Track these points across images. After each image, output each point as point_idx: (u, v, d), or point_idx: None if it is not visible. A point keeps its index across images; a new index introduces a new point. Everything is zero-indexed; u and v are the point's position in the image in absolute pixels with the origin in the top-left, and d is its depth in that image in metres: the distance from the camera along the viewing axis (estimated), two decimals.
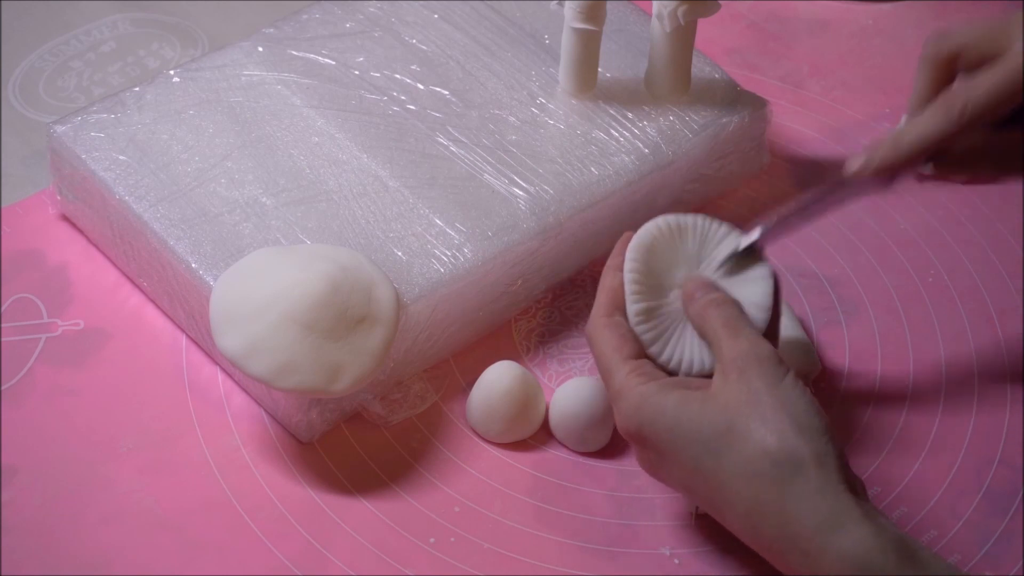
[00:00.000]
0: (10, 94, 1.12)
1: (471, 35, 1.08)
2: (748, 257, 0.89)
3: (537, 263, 0.99)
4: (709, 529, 0.89)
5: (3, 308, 0.98)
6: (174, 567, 0.87)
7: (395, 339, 0.91)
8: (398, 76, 1.05)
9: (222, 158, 0.99)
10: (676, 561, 0.89)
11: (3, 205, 1.03)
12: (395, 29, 1.08)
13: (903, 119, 0.91)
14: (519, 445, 0.93)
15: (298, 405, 0.91)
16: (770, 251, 0.89)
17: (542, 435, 0.94)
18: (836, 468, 0.80)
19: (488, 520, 0.90)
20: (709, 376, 0.85)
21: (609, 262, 0.89)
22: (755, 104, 1.06)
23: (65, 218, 1.03)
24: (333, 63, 1.05)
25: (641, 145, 1.02)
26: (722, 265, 0.88)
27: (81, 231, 1.02)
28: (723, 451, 0.81)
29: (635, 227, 0.90)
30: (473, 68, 1.06)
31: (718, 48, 1.17)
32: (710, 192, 1.06)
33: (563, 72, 1.04)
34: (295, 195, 0.97)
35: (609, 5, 1.04)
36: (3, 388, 0.94)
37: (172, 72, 1.04)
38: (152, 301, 0.99)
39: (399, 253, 0.95)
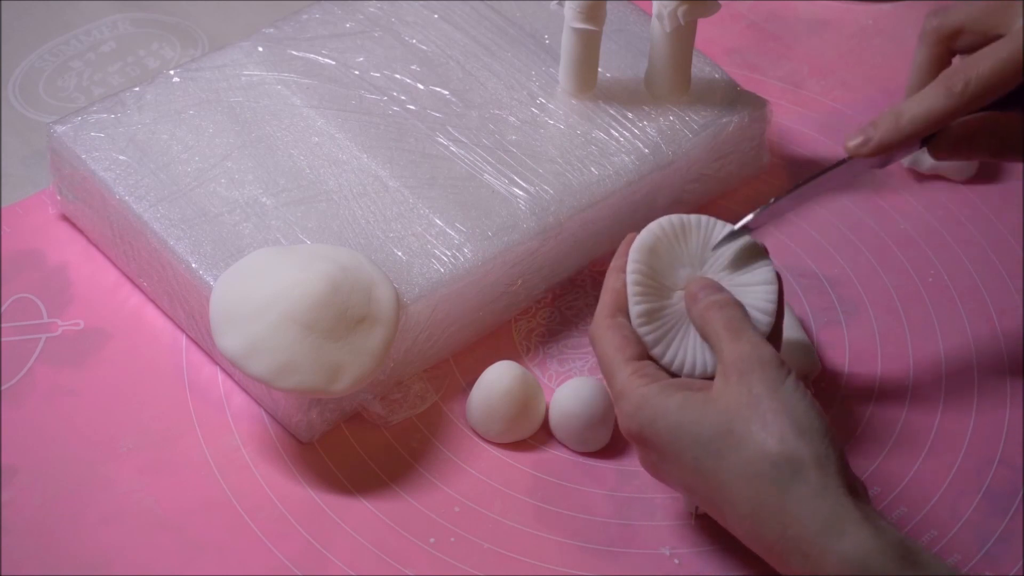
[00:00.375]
0: (10, 94, 1.12)
1: (471, 35, 1.08)
2: (751, 256, 0.88)
3: (537, 263, 0.99)
4: (709, 529, 0.89)
5: (3, 308, 0.98)
6: (174, 567, 0.87)
7: (395, 339, 0.91)
8: (398, 76, 1.05)
9: (222, 158, 0.99)
10: (676, 561, 0.89)
11: (3, 205, 1.03)
12: (395, 29, 1.08)
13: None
14: (519, 445, 0.93)
15: (298, 405, 0.91)
16: (770, 250, 0.89)
17: (542, 435, 0.94)
18: (836, 471, 0.80)
19: (488, 520, 0.90)
20: (711, 378, 0.85)
21: (613, 263, 0.89)
22: (755, 104, 1.06)
23: (65, 218, 1.03)
24: (333, 63, 1.05)
25: (641, 145, 1.02)
26: (718, 247, 0.88)
27: (81, 231, 1.02)
28: (724, 453, 0.81)
29: (635, 227, 0.90)
30: (473, 68, 1.06)
31: (718, 48, 1.17)
32: (710, 192, 1.06)
33: (563, 72, 1.04)
34: (295, 195, 0.97)
35: (609, 5, 1.04)
36: (3, 388, 0.94)
37: (172, 72, 1.04)
38: (152, 301, 0.99)
39: (399, 253, 0.95)
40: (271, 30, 1.07)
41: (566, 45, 1.03)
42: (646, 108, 1.04)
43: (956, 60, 0.91)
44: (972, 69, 0.86)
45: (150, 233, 0.95)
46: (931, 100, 0.87)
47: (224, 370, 0.95)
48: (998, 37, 0.88)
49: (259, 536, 0.88)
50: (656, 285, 0.88)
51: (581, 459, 0.93)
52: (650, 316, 0.87)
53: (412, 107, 1.03)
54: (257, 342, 0.88)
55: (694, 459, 0.82)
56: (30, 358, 0.95)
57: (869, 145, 0.88)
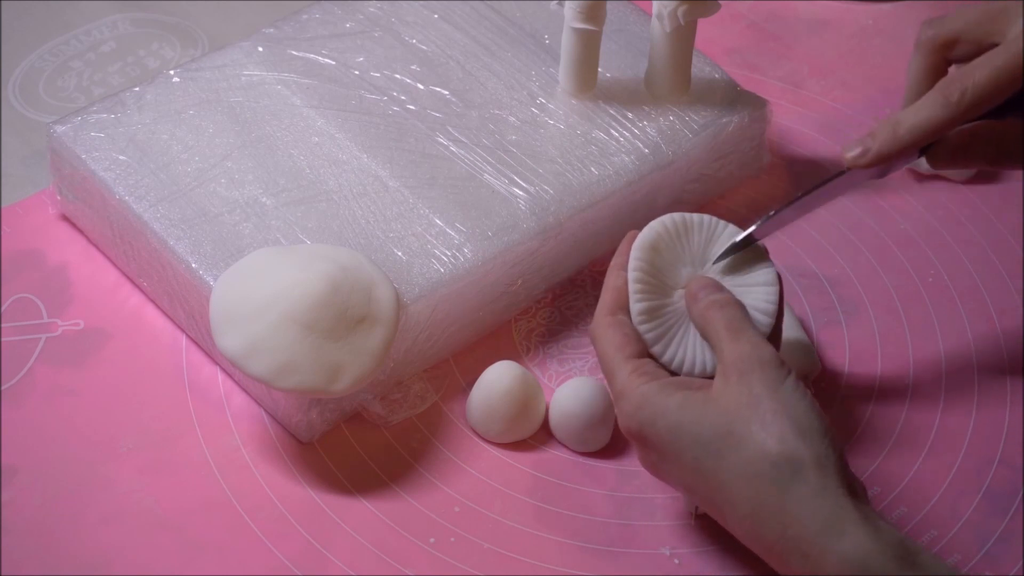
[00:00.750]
0: (10, 94, 1.12)
1: (471, 35, 1.08)
2: (752, 257, 0.88)
3: (537, 263, 0.99)
4: (709, 529, 0.89)
5: (3, 308, 0.98)
6: (174, 567, 0.87)
7: (395, 339, 0.91)
8: (398, 76, 1.05)
9: (222, 158, 0.99)
10: (676, 561, 0.89)
11: (3, 205, 1.03)
12: (395, 29, 1.08)
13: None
14: (519, 445, 0.93)
15: (298, 405, 0.91)
16: (770, 250, 0.89)
17: (542, 435, 0.94)
18: (836, 471, 0.80)
19: (488, 520, 0.90)
20: (711, 377, 0.85)
21: (614, 261, 0.89)
22: (755, 104, 1.06)
23: (65, 218, 1.03)
24: (333, 63, 1.05)
25: (641, 145, 1.02)
26: (720, 259, 0.88)
27: (81, 231, 1.02)
28: (724, 453, 0.81)
29: (635, 227, 0.90)
30: (473, 68, 1.06)
31: (718, 48, 1.17)
32: (710, 192, 1.06)
33: (563, 72, 1.04)
34: (295, 195, 0.97)
35: (609, 5, 1.04)
36: (3, 388, 0.94)
37: (172, 72, 1.04)
38: (152, 301, 0.99)
39: (399, 253, 0.95)
40: (271, 30, 1.07)
41: (566, 45, 1.03)
42: (646, 108, 1.04)
43: (952, 70, 0.91)
44: (969, 78, 0.86)
45: (150, 233, 0.95)
46: (929, 110, 0.87)
47: (224, 370, 0.96)
48: (993, 45, 0.88)
49: (259, 536, 0.88)
50: (657, 283, 0.88)
51: (581, 459, 0.93)
52: (651, 314, 0.87)
53: (412, 107, 1.03)
54: (257, 342, 0.88)
55: (694, 459, 0.82)
56: (30, 358, 0.95)
57: (867, 156, 0.88)
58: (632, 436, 0.85)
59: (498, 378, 0.92)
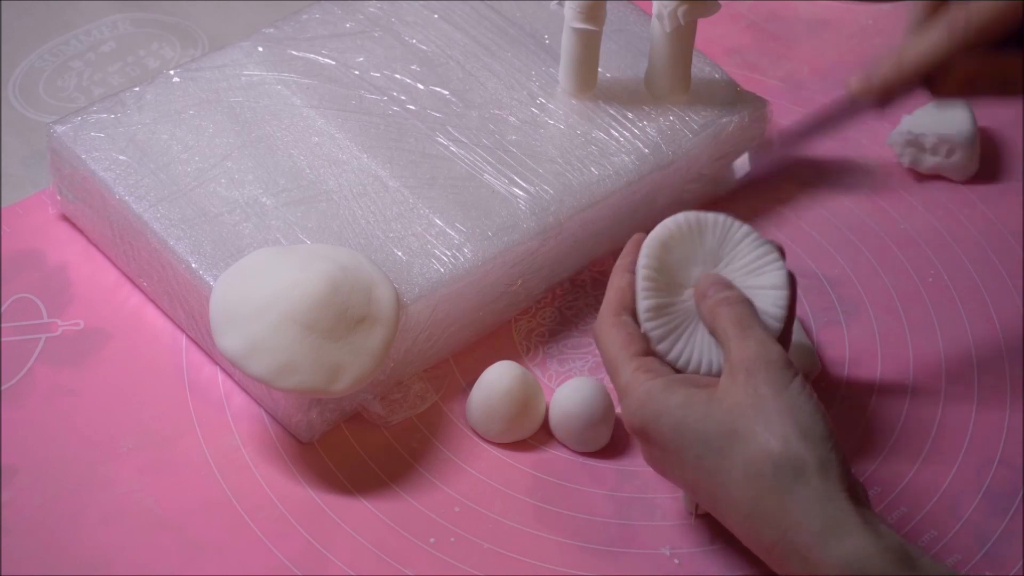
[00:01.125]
0: (10, 94, 1.12)
1: (471, 35, 1.08)
2: (767, 259, 0.87)
3: (537, 263, 0.99)
4: (709, 529, 0.89)
5: (3, 308, 0.98)
6: (174, 567, 0.87)
7: (395, 339, 0.91)
8: (398, 76, 1.05)
9: (222, 158, 0.99)
10: (676, 561, 0.89)
11: (3, 205, 1.03)
12: (395, 29, 1.08)
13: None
14: (519, 445, 0.93)
15: (298, 405, 0.91)
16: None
17: (542, 435, 0.94)
18: (838, 475, 0.80)
19: (488, 520, 0.90)
20: (718, 376, 0.85)
21: (619, 261, 0.89)
22: (755, 104, 1.06)
23: (65, 218, 1.03)
24: (333, 63, 1.05)
25: (641, 145, 1.02)
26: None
27: (81, 231, 1.02)
28: (726, 452, 0.81)
29: (635, 227, 0.90)
30: (473, 68, 1.06)
31: (718, 48, 1.17)
32: (710, 192, 1.06)
33: (563, 72, 1.04)
34: (295, 195, 0.97)
35: (609, 5, 1.04)
36: (3, 388, 0.94)
37: (172, 72, 1.04)
38: (152, 301, 0.99)
39: (399, 253, 0.95)
40: (271, 30, 1.07)
41: (566, 45, 1.03)
42: (646, 108, 1.04)
43: (952, 5, 0.90)
44: (974, 8, 0.85)
45: (150, 233, 0.95)
46: (933, 40, 0.86)
47: (224, 370, 0.96)
48: None
49: (259, 536, 0.88)
50: (666, 281, 0.87)
51: (581, 459, 0.93)
52: (658, 311, 0.87)
53: (412, 107, 1.03)
54: (257, 342, 0.88)
55: (696, 457, 0.82)
56: (30, 358, 0.95)
57: (872, 86, 0.88)
58: (636, 432, 0.85)
59: (498, 378, 0.92)
